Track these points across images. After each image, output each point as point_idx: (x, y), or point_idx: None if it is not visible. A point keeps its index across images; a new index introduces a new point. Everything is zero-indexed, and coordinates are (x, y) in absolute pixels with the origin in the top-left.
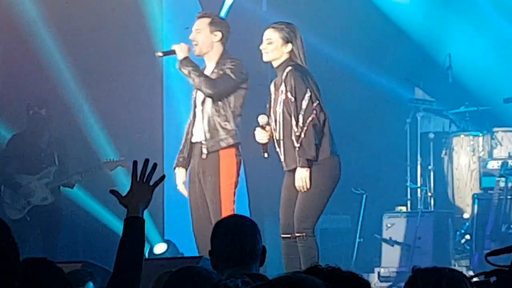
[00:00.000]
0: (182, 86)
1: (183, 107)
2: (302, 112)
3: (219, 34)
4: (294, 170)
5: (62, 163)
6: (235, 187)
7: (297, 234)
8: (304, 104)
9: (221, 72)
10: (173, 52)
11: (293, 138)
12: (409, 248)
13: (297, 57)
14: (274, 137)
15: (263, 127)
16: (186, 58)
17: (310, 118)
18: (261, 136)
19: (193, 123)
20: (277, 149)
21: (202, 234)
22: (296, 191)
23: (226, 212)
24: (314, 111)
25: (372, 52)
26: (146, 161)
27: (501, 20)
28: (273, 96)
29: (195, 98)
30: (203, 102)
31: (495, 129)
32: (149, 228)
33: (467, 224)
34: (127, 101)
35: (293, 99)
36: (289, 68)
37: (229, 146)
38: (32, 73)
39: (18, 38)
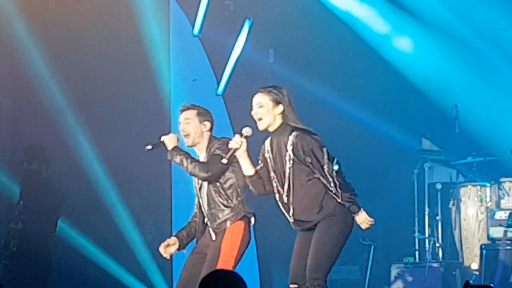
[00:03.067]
0: None
1: None
2: (329, 171)
3: (208, 124)
4: (308, 229)
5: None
6: (239, 252)
7: (308, 285)
8: (326, 163)
9: (211, 154)
10: (162, 143)
11: (334, 194)
12: None
13: (288, 118)
14: (280, 198)
15: (243, 136)
16: (175, 147)
17: (335, 173)
18: (237, 141)
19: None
20: (284, 210)
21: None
22: (309, 246)
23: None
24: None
25: (379, 103)
26: None
27: (509, 70)
28: (273, 157)
29: (195, 186)
30: (201, 188)
31: (502, 179)
32: None
33: (475, 274)
34: (136, 156)
35: (310, 160)
36: (295, 133)
37: (237, 220)
38: (41, 126)
39: (28, 91)
